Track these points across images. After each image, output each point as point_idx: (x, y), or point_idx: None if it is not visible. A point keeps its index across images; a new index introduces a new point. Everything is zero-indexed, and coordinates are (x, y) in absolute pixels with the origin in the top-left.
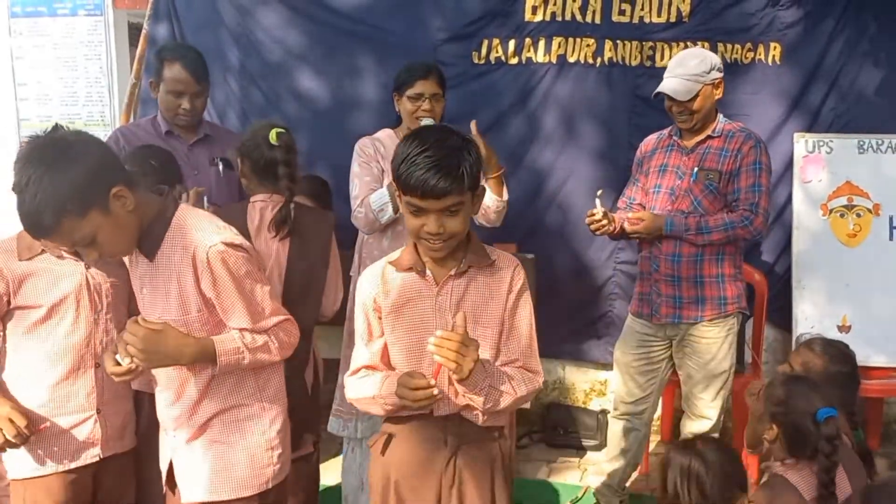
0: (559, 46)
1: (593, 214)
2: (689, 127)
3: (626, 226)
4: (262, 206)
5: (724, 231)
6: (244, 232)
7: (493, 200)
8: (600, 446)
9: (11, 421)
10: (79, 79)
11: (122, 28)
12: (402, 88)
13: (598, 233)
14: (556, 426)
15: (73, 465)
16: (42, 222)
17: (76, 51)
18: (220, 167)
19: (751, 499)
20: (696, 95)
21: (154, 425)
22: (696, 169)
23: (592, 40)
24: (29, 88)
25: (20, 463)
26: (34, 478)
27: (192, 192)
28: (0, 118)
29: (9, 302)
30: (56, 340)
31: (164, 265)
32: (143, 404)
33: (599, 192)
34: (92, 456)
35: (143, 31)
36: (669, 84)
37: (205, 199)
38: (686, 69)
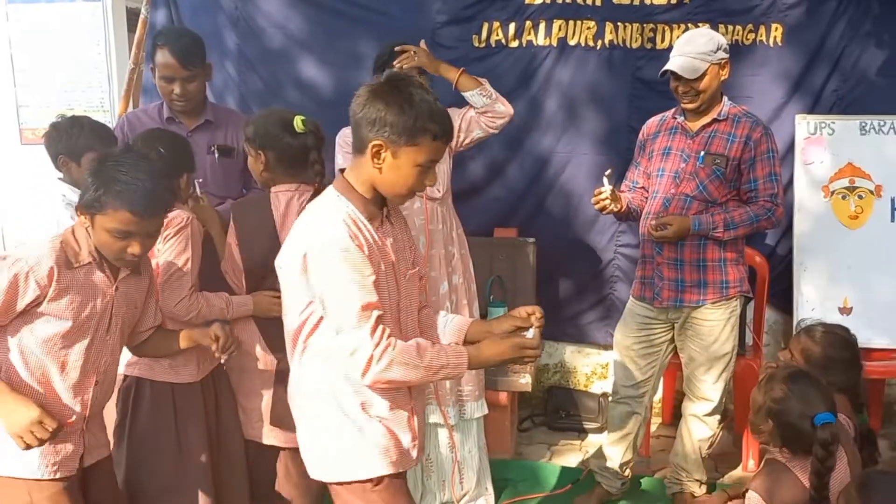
0: (560, 29)
1: (601, 193)
2: (695, 108)
3: (652, 232)
4: (286, 197)
5: (750, 225)
6: (269, 221)
7: (476, 96)
8: (601, 429)
9: (42, 423)
10: (78, 65)
11: (120, 13)
12: (385, 68)
13: (604, 212)
14: (557, 409)
15: (51, 476)
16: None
17: (75, 37)
18: (216, 155)
19: (750, 485)
20: (704, 74)
21: (153, 420)
22: (702, 153)
23: (593, 23)
24: (28, 75)
25: None
26: (8, 477)
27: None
28: None
29: (39, 303)
30: (71, 354)
31: (402, 222)
32: (143, 394)
33: (608, 172)
34: (71, 469)
35: (142, 17)
36: (677, 62)
37: (196, 184)
38: (694, 47)
